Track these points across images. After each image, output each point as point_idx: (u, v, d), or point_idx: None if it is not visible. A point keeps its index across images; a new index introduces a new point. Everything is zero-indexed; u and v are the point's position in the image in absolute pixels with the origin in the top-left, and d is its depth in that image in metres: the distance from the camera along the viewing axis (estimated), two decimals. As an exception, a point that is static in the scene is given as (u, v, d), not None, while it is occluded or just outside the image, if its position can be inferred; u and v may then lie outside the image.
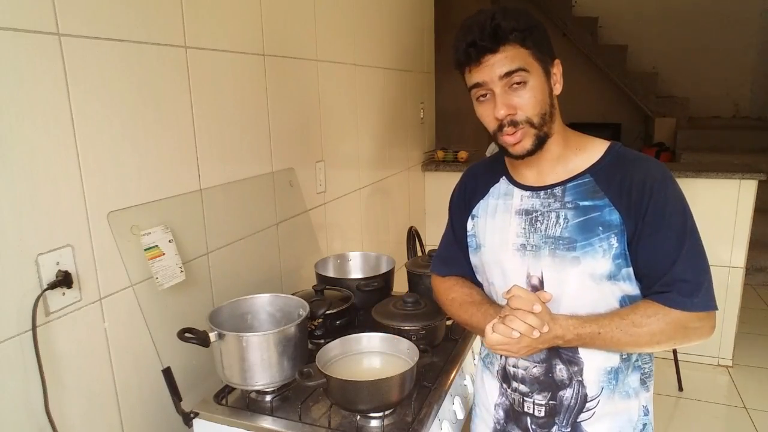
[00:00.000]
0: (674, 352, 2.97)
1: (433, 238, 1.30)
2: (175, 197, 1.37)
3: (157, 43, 1.29)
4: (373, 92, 2.59)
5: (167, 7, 1.32)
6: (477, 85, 1.01)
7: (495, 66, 0.98)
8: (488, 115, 1.02)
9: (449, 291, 1.23)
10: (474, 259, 1.19)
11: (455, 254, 1.24)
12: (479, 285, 1.23)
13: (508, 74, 0.98)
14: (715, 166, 3.12)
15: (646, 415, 1.12)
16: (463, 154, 3.43)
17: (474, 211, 1.18)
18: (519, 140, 1.01)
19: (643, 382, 1.11)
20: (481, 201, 1.17)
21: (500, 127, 1.01)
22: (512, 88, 0.99)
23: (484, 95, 1.02)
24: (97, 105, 1.15)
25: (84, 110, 1.12)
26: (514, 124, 1.00)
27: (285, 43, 1.81)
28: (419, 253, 2.24)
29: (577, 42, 5.80)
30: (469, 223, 1.19)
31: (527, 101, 0.99)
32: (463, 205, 1.22)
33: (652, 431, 1.14)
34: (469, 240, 1.19)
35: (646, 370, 1.11)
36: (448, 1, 3.79)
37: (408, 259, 2.09)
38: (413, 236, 2.23)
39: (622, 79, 5.71)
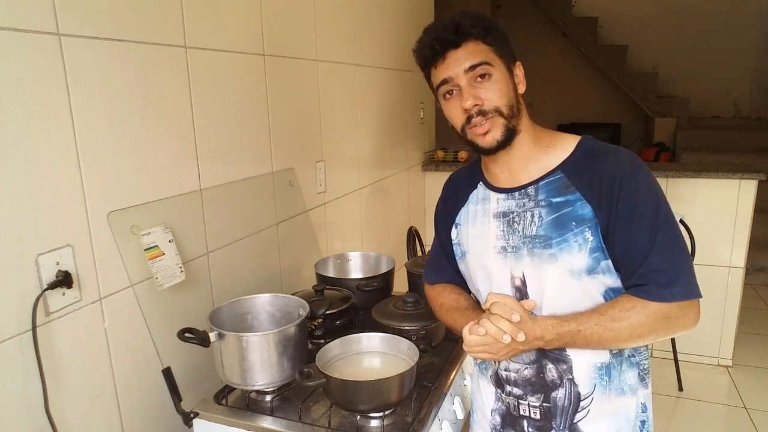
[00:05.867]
0: (674, 352, 2.97)
1: (433, 238, 1.31)
2: (175, 197, 1.37)
3: (157, 43, 1.29)
4: (373, 92, 2.59)
5: (167, 7, 1.32)
6: (443, 82, 1.04)
7: (459, 60, 1.01)
8: (456, 109, 1.04)
9: (438, 297, 1.26)
10: (461, 266, 1.20)
11: (443, 262, 1.27)
12: (469, 291, 1.24)
13: (473, 68, 1.01)
14: (715, 166, 3.12)
15: (644, 411, 1.12)
16: (463, 154, 3.43)
17: (457, 220, 1.19)
18: (488, 129, 1.02)
19: (642, 379, 1.11)
20: (462, 209, 1.18)
21: (468, 119, 1.03)
22: (477, 82, 1.02)
23: (451, 92, 1.04)
24: (97, 105, 1.15)
25: (84, 110, 1.12)
26: (482, 113, 1.02)
27: (285, 43, 1.81)
28: (419, 253, 2.24)
29: (577, 42, 5.81)
30: (453, 232, 1.20)
31: (493, 92, 1.02)
32: (445, 215, 1.23)
33: (651, 428, 1.14)
34: (454, 249, 1.20)
35: (644, 366, 1.11)
36: (448, 1, 3.79)
37: (408, 259, 2.09)
38: (413, 236, 2.23)
39: (622, 79, 5.71)
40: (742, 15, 5.63)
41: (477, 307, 1.19)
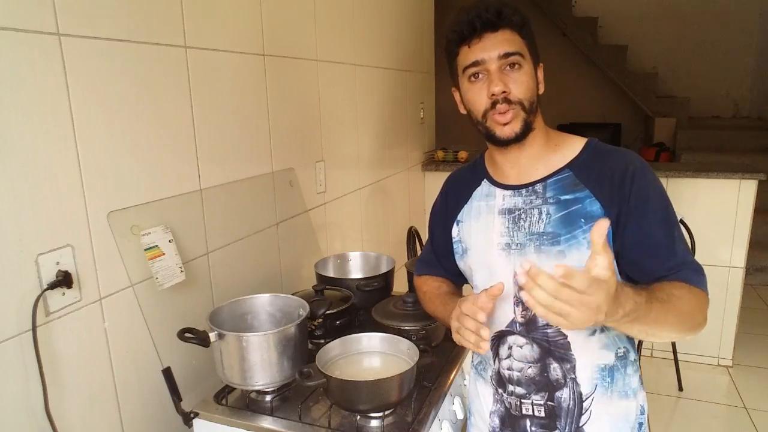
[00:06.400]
0: (674, 352, 2.97)
1: (429, 237, 1.33)
2: (175, 197, 1.37)
3: (157, 43, 1.29)
4: (373, 92, 2.59)
5: (167, 7, 1.32)
6: (474, 64, 1.03)
7: (496, 45, 1.01)
8: (480, 94, 1.03)
9: (423, 285, 1.30)
10: (461, 264, 1.20)
11: (432, 260, 1.29)
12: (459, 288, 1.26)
13: (507, 55, 1.01)
14: (715, 166, 3.11)
15: (642, 414, 1.13)
16: (463, 154, 3.43)
17: (459, 217, 1.19)
18: (509, 120, 1.02)
19: (641, 382, 1.12)
20: (465, 206, 1.18)
21: (493, 105, 1.02)
22: (507, 70, 1.02)
23: (476, 75, 1.03)
24: (97, 105, 1.15)
25: (84, 110, 1.12)
26: (507, 102, 1.01)
27: (285, 43, 1.81)
28: (419, 253, 2.24)
29: (577, 42, 5.80)
30: (454, 230, 1.20)
31: (521, 84, 1.02)
32: (445, 212, 1.23)
33: (647, 429, 1.15)
34: (455, 246, 1.20)
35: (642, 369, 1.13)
36: (448, 2, 3.79)
37: (408, 259, 2.09)
38: (413, 236, 2.23)
39: (622, 79, 5.71)
40: (742, 15, 5.63)
41: (458, 293, 1.21)
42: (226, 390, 1.33)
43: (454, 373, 1.41)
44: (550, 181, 1.06)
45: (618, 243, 1.01)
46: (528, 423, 1.12)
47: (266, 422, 1.22)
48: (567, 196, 1.03)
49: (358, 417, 1.19)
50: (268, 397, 1.30)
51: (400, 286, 1.87)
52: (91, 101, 1.13)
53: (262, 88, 1.70)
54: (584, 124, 5.89)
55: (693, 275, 0.97)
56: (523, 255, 1.06)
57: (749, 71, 5.77)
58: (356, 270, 1.94)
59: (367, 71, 2.49)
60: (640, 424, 1.13)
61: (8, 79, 0.98)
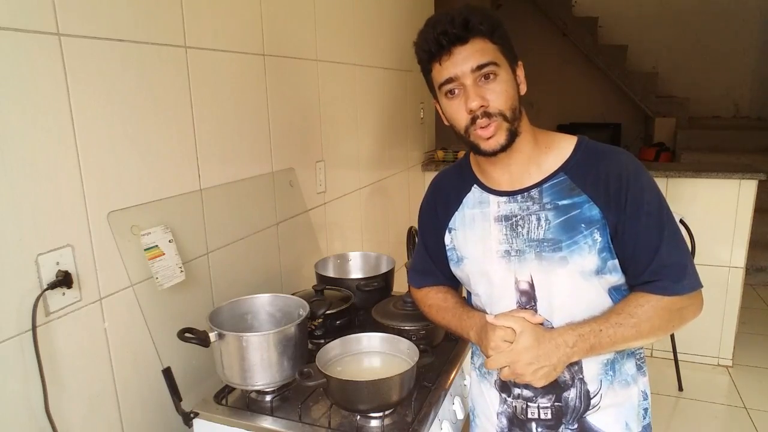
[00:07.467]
0: (674, 352, 2.97)
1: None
2: (175, 197, 1.37)
3: (157, 43, 1.29)
4: (373, 92, 2.59)
5: (167, 7, 1.32)
6: (448, 81, 0.99)
7: (467, 58, 0.97)
8: (459, 110, 1.00)
9: (426, 298, 1.26)
10: (457, 271, 1.18)
11: (429, 266, 1.25)
12: (458, 291, 1.25)
13: (480, 67, 0.97)
14: (715, 166, 3.12)
15: (645, 399, 1.14)
16: (462, 154, 3.42)
17: (451, 224, 1.16)
18: (493, 134, 0.99)
19: (639, 368, 1.13)
20: (457, 213, 1.15)
21: (473, 120, 0.99)
22: (482, 82, 0.98)
23: (453, 91, 1.00)
24: (97, 105, 1.15)
25: (84, 110, 1.12)
26: (487, 115, 0.98)
27: (285, 43, 1.81)
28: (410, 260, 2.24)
29: (577, 42, 5.81)
30: (447, 237, 1.17)
31: (499, 94, 0.98)
32: (434, 218, 1.20)
33: (650, 414, 1.16)
34: (449, 254, 1.18)
35: (641, 355, 1.14)
36: (448, 2, 3.79)
37: (408, 259, 2.09)
38: (413, 236, 2.23)
39: (622, 79, 5.72)
40: (742, 15, 5.63)
41: (465, 303, 1.20)
42: (226, 390, 1.33)
43: (454, 373, 1.41)
44: (545, 186, 1.04)
45: (618, 248, 1.01)
46: (534, 425, 1.12)
47: (266, 422, 1.22)
48: (565, 201, 1.02)
49: (358, 417, 1.19)
50: (268, 397, 1.30)
51: (400, 286, 1.87)
52: (91, 101, 1.13)
53: (262, 88, 1.70)
54: (584, 124, 5.90)
55: (666, 284, 0.99)
56: (523, 261, 1.05)
57: (749, 71, 5.78)
58: (356, 270, 1.94)
59: (367, 71, 2.49)
60: (645, 410, 1.13)
61: (8, 79, 0.98)
